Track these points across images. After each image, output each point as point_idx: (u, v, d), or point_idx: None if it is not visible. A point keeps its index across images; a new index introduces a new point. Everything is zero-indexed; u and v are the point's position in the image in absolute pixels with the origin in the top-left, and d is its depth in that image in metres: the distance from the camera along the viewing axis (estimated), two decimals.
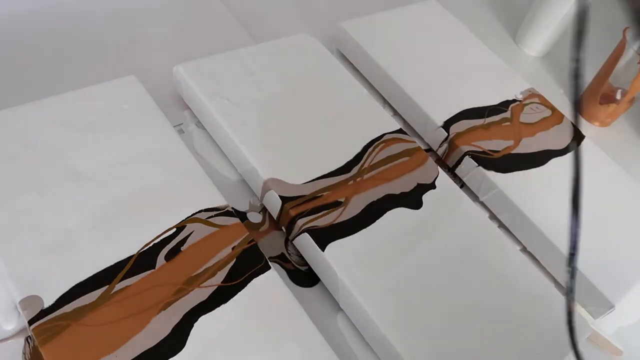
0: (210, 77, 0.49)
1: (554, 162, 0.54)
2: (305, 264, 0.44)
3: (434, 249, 0.44)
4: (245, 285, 0.38)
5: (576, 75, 0.23)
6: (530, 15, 0.72)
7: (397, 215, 0.45)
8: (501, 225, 0.52)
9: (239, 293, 0.37)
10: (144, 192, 0.41)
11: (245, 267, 0.39)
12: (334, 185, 0.45)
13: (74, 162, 0.41)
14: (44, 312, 0.33)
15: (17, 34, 0.53)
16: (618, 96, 0.64)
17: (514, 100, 0.59)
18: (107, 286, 0.36)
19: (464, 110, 0.56)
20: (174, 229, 0.40)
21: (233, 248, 0.40)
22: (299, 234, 0.42)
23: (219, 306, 0.37)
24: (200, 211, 0.41)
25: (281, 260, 0.44)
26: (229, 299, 0.37)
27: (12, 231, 0.36)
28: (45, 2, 0.56)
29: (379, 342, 0.40)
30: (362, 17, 0.61)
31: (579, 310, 0.48)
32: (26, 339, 0.35)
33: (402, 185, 0.47)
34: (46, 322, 0.33)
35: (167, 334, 0.34)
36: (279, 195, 0.43)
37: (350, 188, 0.45)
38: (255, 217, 0.46)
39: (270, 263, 0.40)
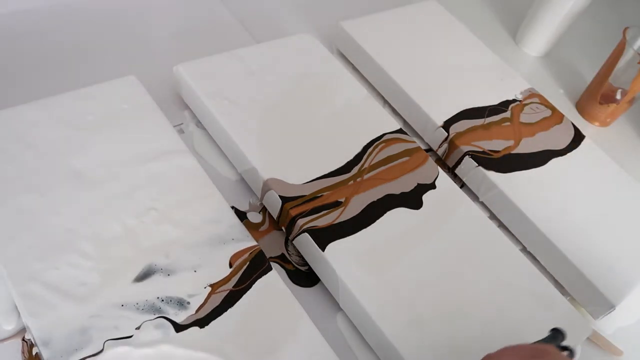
0: (210, 77, 0.49)
1: (554, 162, 0.54)
2: (305, 264, 0.44)
3: (434, 249, 0.44)
4: (250, 287, 0.38)
5: None
6: (530, 15, 0.72)
7: (397, 215, 0.45)
8: (501, 225, 0.52)
9: (244, 295, 0.37)
10: (144, 192, 0.41)
11: (252, 271, 0.39)
12: (334, 185, 0.45)
13: (74, 162, 0.41)
14: None
15: (17, 33, 0.53)
16: (618, 96, 0.64)
17: (514, 100, 0.59)
18: None
19: (464, 110, 0.56)
20: None
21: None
22: (299, 234, 0.42)
23: (226, 310, 0.37)
24: None
25: (281, 260, 0.44)
26: (235, 302, 0.37)
27: (12, 231, 0.36)
28: (45, 2, 0.56)
29: (379, 342, 0.40)
30: (362, 17, 0.61)
31: (579, 310, 0.48)
32: (23, 339, 0.35)
33: (402, 185, 0.47)
34: None
35: None
36: (279, 195, 0.43)
37: (350, 188, 0.45)
38: (255, 217, 0.46)
39: (270, 263, 0.40)
